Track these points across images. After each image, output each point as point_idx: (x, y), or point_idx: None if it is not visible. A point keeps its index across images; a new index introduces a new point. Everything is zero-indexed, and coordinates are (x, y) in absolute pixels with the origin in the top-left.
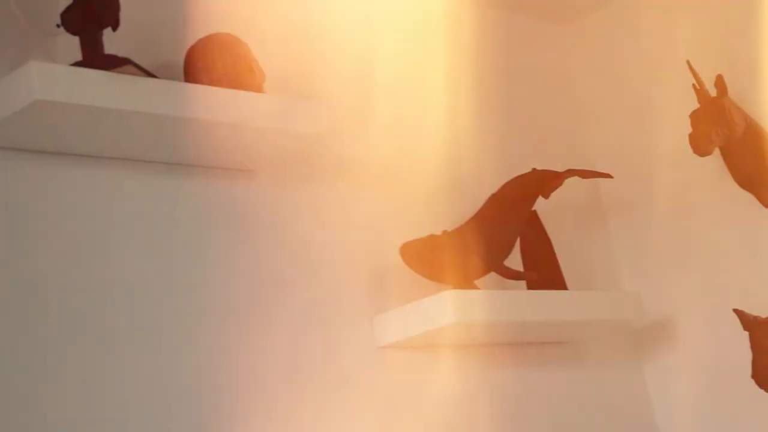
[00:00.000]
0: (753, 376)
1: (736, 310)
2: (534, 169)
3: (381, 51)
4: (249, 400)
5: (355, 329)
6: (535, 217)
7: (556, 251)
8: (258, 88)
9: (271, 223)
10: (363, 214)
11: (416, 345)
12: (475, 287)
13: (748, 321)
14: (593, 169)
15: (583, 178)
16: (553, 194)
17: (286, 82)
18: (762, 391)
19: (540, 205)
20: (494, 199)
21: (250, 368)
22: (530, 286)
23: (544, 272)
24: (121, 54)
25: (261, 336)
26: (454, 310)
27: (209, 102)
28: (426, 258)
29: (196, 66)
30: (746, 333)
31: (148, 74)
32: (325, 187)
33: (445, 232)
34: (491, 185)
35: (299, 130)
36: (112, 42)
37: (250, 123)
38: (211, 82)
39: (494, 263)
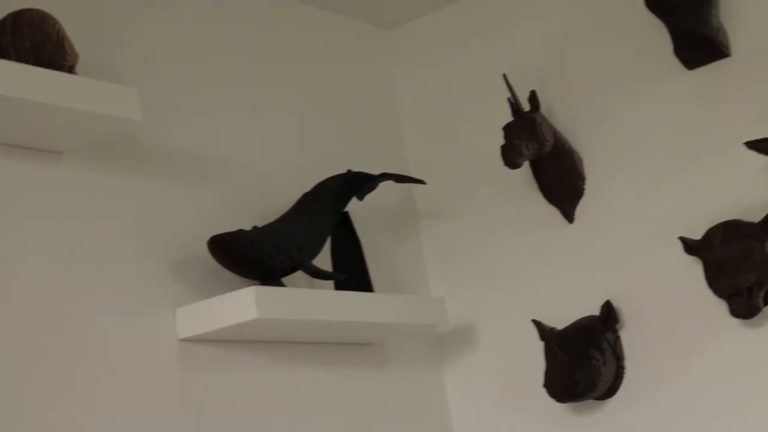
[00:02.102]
0: (545, 386)
1: (534, 321)
2: (349, 171)
3: (201, 42)
4: (40, 389)
5: (155, 320)
6: (347, 218)
7: (367, 253)
8: (69, 69)
9: (76, 208)
10: (173, 204)
11: (218, 339)
12: (281, 284)
13: (544, 332)
14: (408, 175)
15: (398, 182)
16: (368, 197)
17: (101, 66)
18: (553, 400)
19: (354, 206)
20: (307, 197)
21: (42, 354)
22: (338, 287)
23: (352, 273)
24: None
25: (52, 321)
26: (258, 305)
27: (15, 78)
28: (233, 252)
29: (3, 41)
30: (542, 343)
31: None
32: (136, 174)
33: (255, 227)
34: (305, 184)
35: (110, 114)
36: None
37: (57, 103)
38: (19, 59)
39: (302, 261)
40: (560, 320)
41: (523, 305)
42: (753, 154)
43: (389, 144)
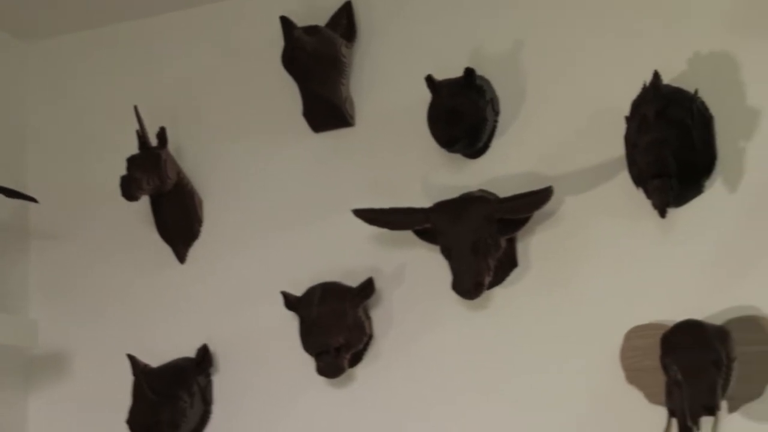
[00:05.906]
0: (127, 422)
1: (129, 356)
2: None
3: None
4: None
5: None
6: None
7: None
8: None
9: None
10: None
11: None
12: None
13: (137, 368)
14: (21, 191)
15: (8, 197)
16: None
17: None
18: None
19: None
20: None
21: None
22: None
23: None
24: None
25: None
26: None
27: None
28: None
29: None
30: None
31: None
32: None
33: None
34: None
35: None
36: None
37: None
38: None
39: None
40: (159, 358)
41: (123, 338)
42: (360, 222)
43: (10, 157)
